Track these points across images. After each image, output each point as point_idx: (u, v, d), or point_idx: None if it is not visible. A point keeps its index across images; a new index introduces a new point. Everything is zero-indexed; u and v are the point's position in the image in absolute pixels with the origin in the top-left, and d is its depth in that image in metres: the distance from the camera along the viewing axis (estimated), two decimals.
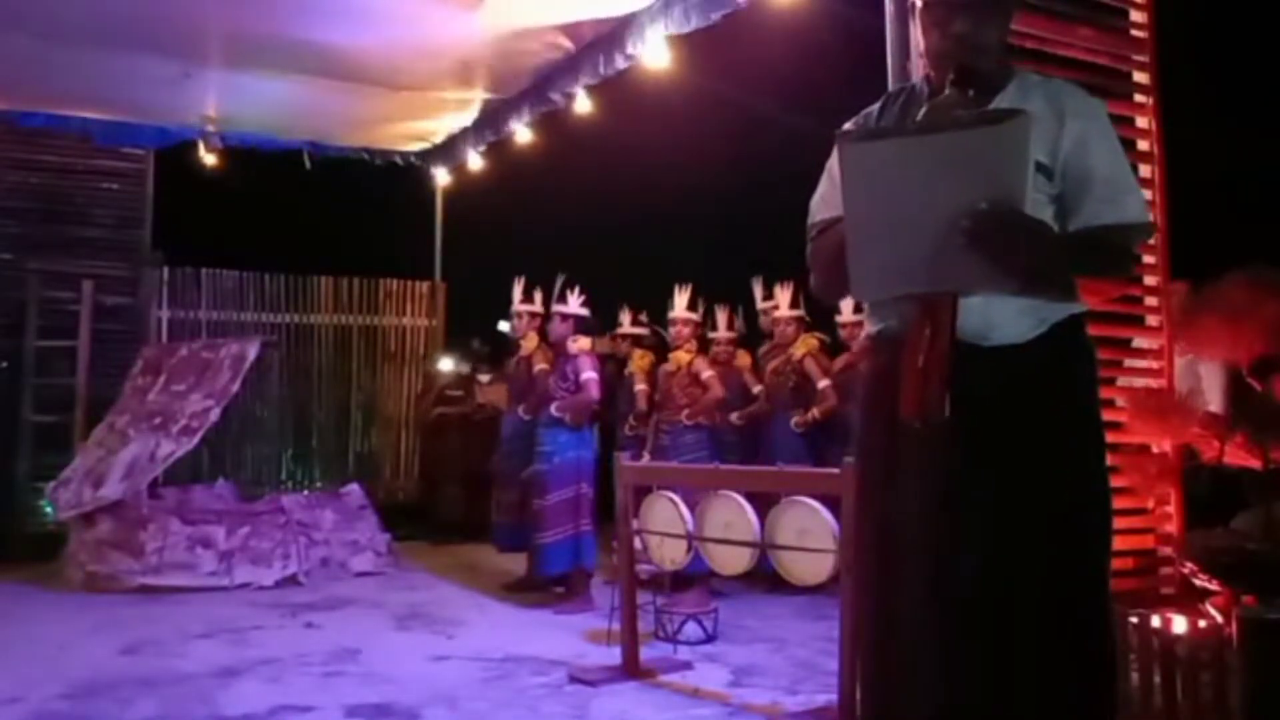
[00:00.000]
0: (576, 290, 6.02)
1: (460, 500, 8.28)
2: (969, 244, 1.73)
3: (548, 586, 5.86)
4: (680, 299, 6.31)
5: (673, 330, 6.35)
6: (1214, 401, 3.97)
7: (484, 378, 8.49)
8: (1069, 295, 1.94)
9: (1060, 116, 1.93)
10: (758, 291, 6.60)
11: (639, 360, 6.61)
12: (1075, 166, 1.93)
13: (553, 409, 5.77)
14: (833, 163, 2.14)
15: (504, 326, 6.54)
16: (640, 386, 6.51)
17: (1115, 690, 1.97)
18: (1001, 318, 1.90)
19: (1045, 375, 1.91)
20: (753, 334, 6.83)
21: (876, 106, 2.16)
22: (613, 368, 7.08)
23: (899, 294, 1.90)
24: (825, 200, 2.14)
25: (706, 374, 6.17)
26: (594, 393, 5.82)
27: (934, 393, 1.80)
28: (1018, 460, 1.87)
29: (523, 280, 6.26)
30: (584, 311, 6.02)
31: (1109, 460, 3.34)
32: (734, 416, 6.26)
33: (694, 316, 6.33)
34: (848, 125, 2.15)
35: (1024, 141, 1.74)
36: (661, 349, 6.66)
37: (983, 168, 1.75)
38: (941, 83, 1.95)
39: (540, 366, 6.10)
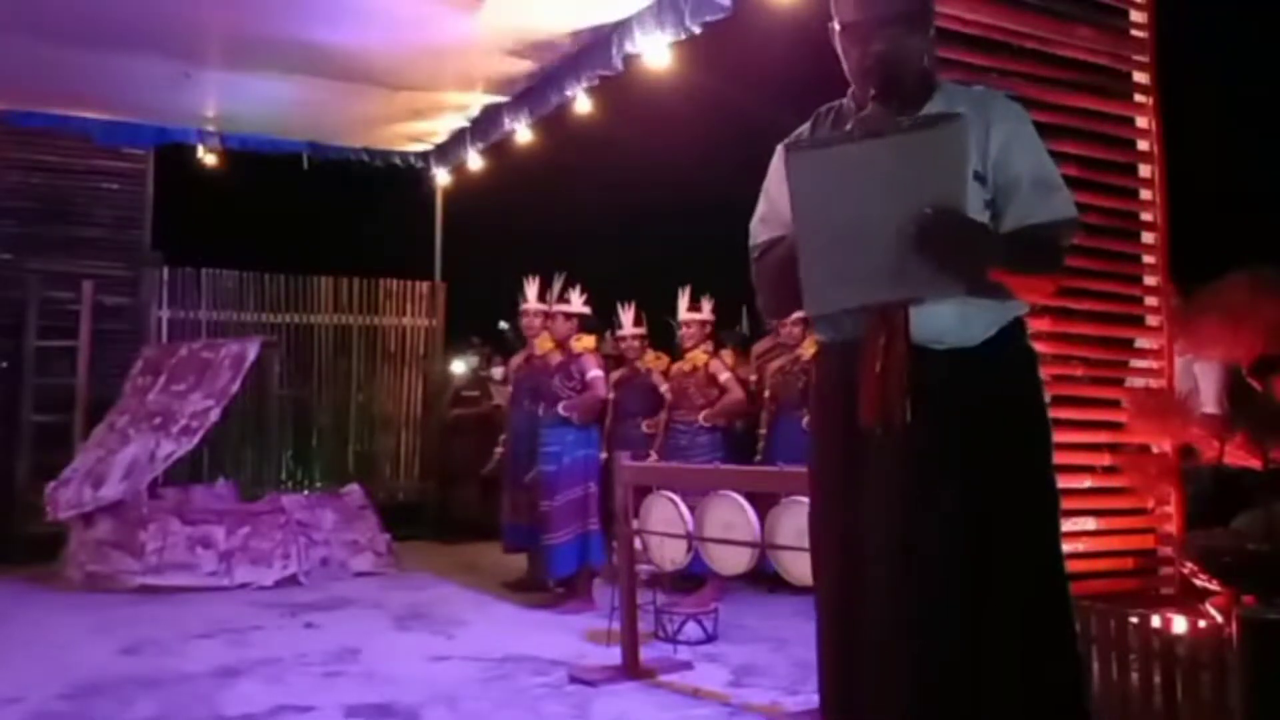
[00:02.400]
0: (577, 289, 6.00)
1: (475, 500, 8.32)
2: (917, 249, 1.76)
3: (552, 587, 5.84)
4: (684, 299, 6.28)
5: (683, 330, 6.32)
6: (1208, 402, 3.97)
7: (497, 373, 8.46)
8: (1011, 295, 1.99)
9: (986, 124, 1.98)
10: None
11: (653, 360, 6.58)
12: (1004, 170, 1.98)
13: (559, 409, 5.73)
14: (770, 183, 2.19)
15: (504, 325, 6.54)
16: (664, 386, 6.50)
17: (1086, 679, 2.00)
18: (955, 321, 1.94)
19: (998, 377, 1.97)
20: (760, 334, 6.82)
21: (808, 125, 2.19)
22: (611, 367, 7.07)
23: (853, 306, 1.90)
24: (765, 221, 2.19)
25: (724, 376, 6.13)
26: (601, 391, 5.79)
27: (894, 398, 1.82)
28: (977, 462, 1.91)
29: (537, 280, 6.23)
30: (586, 310, 5.99)
31: (1108, 460, 3.37)
32: (702, 415, 6.07)
33: (704, 316, 6.27)
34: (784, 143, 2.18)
35: (962, 144, 1.79)
36: (670, 349, 6.63)
37: (923, 172, 1.79)
38: (865, 100, 1.99)
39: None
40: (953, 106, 1.99)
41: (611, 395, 6.82)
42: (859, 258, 1.83)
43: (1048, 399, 2.19)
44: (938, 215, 1.76)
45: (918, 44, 2.02)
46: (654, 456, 6.03)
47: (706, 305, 6.28)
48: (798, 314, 6.25)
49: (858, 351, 1.89)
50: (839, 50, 2.06)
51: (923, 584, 1.88)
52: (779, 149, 2.17)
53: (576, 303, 5.96)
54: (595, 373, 5.78)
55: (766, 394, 6.38)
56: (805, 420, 6.02)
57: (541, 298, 6.19)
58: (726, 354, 6.52)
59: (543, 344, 6.20)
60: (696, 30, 5.46)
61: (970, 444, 1.91)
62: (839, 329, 2.04)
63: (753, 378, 6.48)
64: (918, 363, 1.84)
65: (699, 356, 6.20)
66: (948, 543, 1.88)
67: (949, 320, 1.93)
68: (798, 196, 1.85)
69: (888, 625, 1.91)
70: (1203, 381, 4.00)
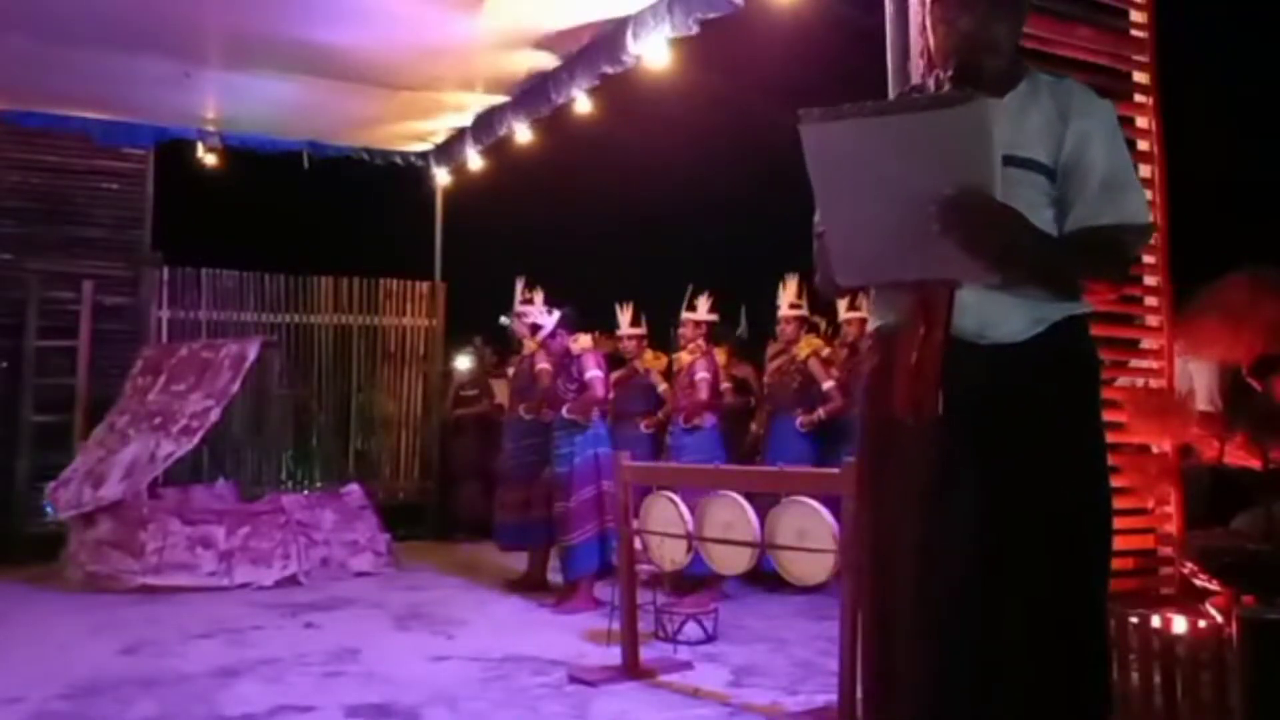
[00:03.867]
0: (539, 303, 6.01)
1: (477, 499, 8.33)
2: (941, 231, 1.73)
3: (554, 586, 5.81)
4: (703, 302, 6.26)
5: (680, 332, 6.31)
6: (1201, 399, 3.96)
7: (511, 370, 8.46)
8: (1064, 292, 1.92)
9: (1065, 117, 1.92)
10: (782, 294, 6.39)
11: (651, 360, 6.58)
12: (1074, 166, 1.92)
13: (564, 412, 5.71)
14: None
15: (504, 320, 6.54)
16: (663, 386, 6.49)
17: (1105, 689, 1.96)
18: (997, 315, 1.88)
19: (1040, 375, 1.89)
20: (757, 334, 6.81)
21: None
22: (611, 367, 7.07)
23: (883, 280, 1.90)
24: None
25: (699, 376, 6.07)
26: (599, 390, 5.77)
27: (927, 390, 1.80)
28: (1007, 459, 1.86)
29: (524, 279, 6.22)
30: (554, 316, 5.97)
31: (1109, 460, 3.36)
32: (681, 417, 6.01)
33: (699, 316, 6.24)
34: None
35: (983, 125, 1.72)
36: (668, 349, 6.63)
37: (942, 152, 1.75)
38: (946, 80, 1.96)
39: (542, 366, 6.07)
40: (1035, 95, 1.95)
41: (610, 395, 6.82)
42: (881, 233, 1.81)
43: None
44: (960, 196, 1.72)
45: (1005, 28, 1.97)
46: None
47: (703, 305, 6.27)
48: (793, 311, 6.30)
49: (898, 340, 1.88)
50: (927, 26, 2.01)
51: (941, 582, 1.85)
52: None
53: (547, 318, 5.93)
54: (594, 372, 5.76)
55: (765, 393, 6.39)
56: (799, 419, 6.05)
57: (529, 299, 6.18)
58: (720, 353, 6.52)
59: (530, 345, 6.22)
60: (697, 27, 5.46)
61: (994, 444, 1.85)
62: (888, 316, 2.00)
63: (766, 380, 6.48)
64: (955, 356, 1.81)
65: (683, 357, 6.21)
66: (964, 542, 1.84)
67: (989, 314, 1.87)
68: (811, 166, 1.83)
69: (909, 622, 1.89)
70: (1196, 379, 4.00)
